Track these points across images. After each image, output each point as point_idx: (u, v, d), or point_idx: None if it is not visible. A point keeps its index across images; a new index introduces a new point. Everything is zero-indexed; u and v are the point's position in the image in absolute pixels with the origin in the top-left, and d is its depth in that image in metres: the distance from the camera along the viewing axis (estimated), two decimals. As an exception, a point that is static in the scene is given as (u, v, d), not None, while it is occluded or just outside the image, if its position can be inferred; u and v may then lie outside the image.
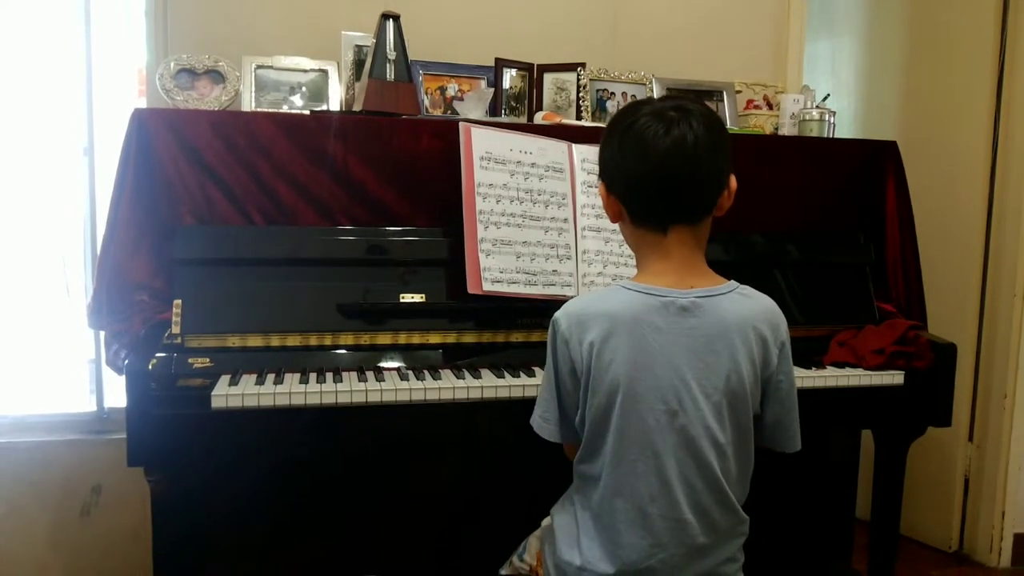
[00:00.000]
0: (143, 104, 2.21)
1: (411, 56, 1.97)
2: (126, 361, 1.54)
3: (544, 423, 1.30)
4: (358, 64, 2.07)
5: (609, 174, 1.27)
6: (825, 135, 2.24)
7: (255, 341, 1.68)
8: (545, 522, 1.43)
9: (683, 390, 1.20)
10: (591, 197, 1.90)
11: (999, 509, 2.73)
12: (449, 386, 1.62)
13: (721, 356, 1.21)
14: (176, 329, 1.63)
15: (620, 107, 2.32)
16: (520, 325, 1.81)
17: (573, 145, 1.93)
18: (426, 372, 1.68)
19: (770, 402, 1.29)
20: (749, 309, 1.25)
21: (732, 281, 1.28)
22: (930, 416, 1.94)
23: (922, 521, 2.87)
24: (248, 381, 1.57)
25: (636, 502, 1.21)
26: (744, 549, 1.32)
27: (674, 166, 1.20)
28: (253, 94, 2.02)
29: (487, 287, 1.76)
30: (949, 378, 1.93)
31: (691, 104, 1.24)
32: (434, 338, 1.77)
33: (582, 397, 1.25)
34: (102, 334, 1.87)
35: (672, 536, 1.21)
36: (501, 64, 2.25)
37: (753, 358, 1.23)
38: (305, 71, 2.08)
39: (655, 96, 2.34)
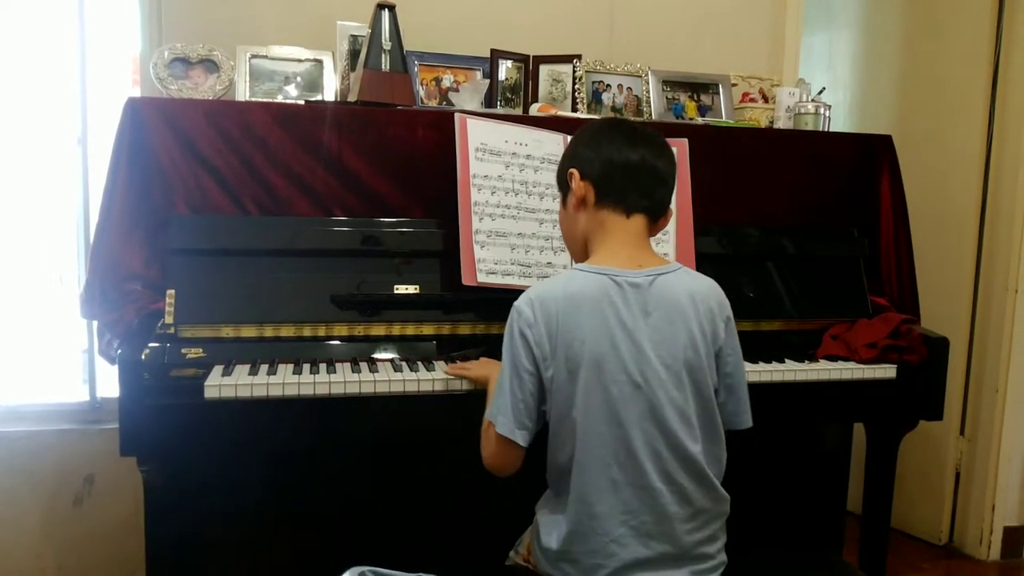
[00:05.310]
0: (137, 93, 2.19)
1: (407, 47, 1.96)
2: (119, 351, 1.54)
3: (500, 416, 1.30)
4: (353, 54, 2.07)
5: (585, 161, 1.36)
6: (820, 129, 2.24)
7: (249, 332, 1.68)
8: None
9: (644, 362, 1.25)
10: (586, 189, 1.90)
11: (989, 502, 2.75)
12: (443, 378, 1.61)
13: (677, 328, 1.28)
14: (169, 319, 1.63)
15: (615, 99, 2.33)
16: (514, 317, 1.81)
17: (568, 137, 1.92)
18: (420, 363, 1.68)
19: (720, 376, 1.36)
20: (697, 285, 1.33)
21: (675, 263, 1.37)
22: (922, 410, 1.95)
23: (913, 514, 2.89)
24: (241, 371, 1.57)
25: (605, 472, 1.25)
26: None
27: (652, 156, 1.34)
28: (248, 84, 2.01)
29: (482, 279, 1.76)
30: (941, 372, 1.94)
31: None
32: (428, 329, 1.77)
33: (548, 382, 1.27)
34: (95, 324, 1.86)
35: (641, 503, 1.25)
36: (497, 55, 2.25)
37: (704, 330, 1.30)
38: (300, 61, 2.07)
39: (651, 87, 2.34)
